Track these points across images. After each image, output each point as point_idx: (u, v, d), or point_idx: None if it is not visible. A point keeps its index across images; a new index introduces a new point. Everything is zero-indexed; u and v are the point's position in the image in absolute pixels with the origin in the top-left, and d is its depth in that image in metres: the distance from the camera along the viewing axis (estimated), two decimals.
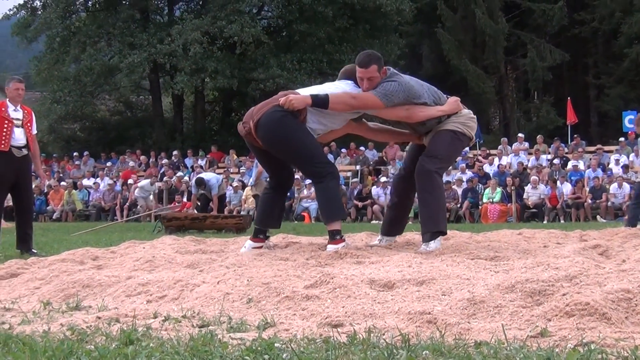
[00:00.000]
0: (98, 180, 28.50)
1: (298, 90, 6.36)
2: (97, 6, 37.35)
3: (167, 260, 5.60)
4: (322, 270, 4.47)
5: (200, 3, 37.11)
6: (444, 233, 6.35)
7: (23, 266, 5.77)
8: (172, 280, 4.37)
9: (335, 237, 6.06)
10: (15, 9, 37.05)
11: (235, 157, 29.13)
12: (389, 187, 22.94)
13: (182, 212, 18.31)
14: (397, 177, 7.03)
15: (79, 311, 3.97)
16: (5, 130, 8.82)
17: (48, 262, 5.90)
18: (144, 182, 25.45)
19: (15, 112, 9.00)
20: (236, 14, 31.74)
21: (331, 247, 5.94)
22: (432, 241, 6.10)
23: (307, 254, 5.69)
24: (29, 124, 9.11)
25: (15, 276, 5.34)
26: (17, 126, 8.95)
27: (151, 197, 25.06)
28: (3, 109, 8.94)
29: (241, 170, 26.46)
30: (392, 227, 6.95)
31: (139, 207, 24.94)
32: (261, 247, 6.37)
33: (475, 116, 6.64)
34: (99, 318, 3.54)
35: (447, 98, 6.53)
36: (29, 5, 37.01)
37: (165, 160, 29.96)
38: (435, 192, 6.26)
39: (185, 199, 23.13)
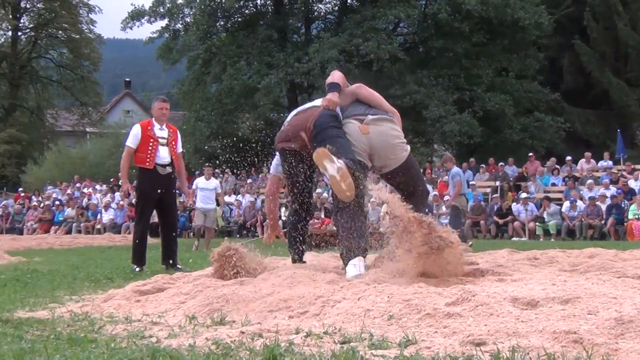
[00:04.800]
0: (239, 197, 29.06)
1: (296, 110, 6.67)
2: (237, 26, 38.19)
3: (308, 276, 5.62)
4: (463, 287, 4.38)
5: (337, 21, 37.41)
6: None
7: (169, 281, 5.94)
8: (313, 296, 4.38)
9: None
10: (158, 33, 38.41)
11: None
12: (529, 204, 22.48)
13: (321, 228, 18.47)
14: None
15: (223, 326, 4.03)
16: (150, 148, 9.10)
17: (192, 277, 6.05)
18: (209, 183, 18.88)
19: (161, 131, 9.28)
20: (372, 31, 31.85)
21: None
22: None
23: None
24: (173, 143, 9.37)
25: (162, 291, 5.50)
26: (162, 145, 9.22)
27: (215, 206, 19.06)
28: (149, 127, 9.24)
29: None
30: None
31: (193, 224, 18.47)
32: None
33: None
34: (243, 333, 3.58)
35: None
36: (171, 28, 38.23)
37: None
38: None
39: (323, 215, 23.30)
